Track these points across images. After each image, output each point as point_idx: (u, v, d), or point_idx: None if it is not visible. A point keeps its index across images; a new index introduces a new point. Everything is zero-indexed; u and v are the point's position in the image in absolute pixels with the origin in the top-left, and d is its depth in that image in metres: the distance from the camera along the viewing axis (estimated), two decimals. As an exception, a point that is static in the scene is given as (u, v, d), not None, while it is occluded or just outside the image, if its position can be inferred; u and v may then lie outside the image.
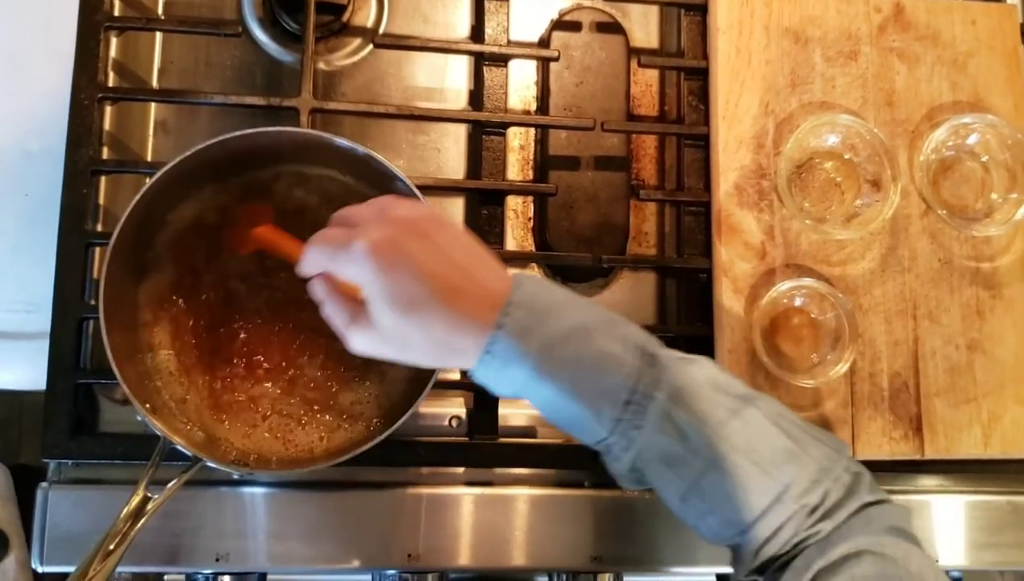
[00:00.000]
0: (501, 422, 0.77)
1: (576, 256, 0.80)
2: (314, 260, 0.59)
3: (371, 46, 0.84)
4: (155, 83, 0.83)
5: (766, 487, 0.56)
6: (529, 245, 0.84)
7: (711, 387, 0.58)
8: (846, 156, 0.80)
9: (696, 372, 0.58)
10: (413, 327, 0.55)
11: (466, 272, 0.56)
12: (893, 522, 0.57)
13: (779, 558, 0.56)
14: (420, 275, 0.55)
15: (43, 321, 0.74)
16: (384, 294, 0.55)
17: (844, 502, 0.56)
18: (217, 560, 0.73)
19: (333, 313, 0.60)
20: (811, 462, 0.57)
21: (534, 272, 0.84)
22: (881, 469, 0.79)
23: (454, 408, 0.79)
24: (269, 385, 0.71)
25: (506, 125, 0.82)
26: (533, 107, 0.86)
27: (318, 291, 0.61)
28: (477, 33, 0.86)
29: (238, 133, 0.66)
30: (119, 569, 0.67)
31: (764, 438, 0.57)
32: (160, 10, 0.84)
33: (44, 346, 0.73)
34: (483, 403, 0.78)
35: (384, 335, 0.57)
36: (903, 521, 0.58)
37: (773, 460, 0.56)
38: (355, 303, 0.58)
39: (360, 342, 0.58)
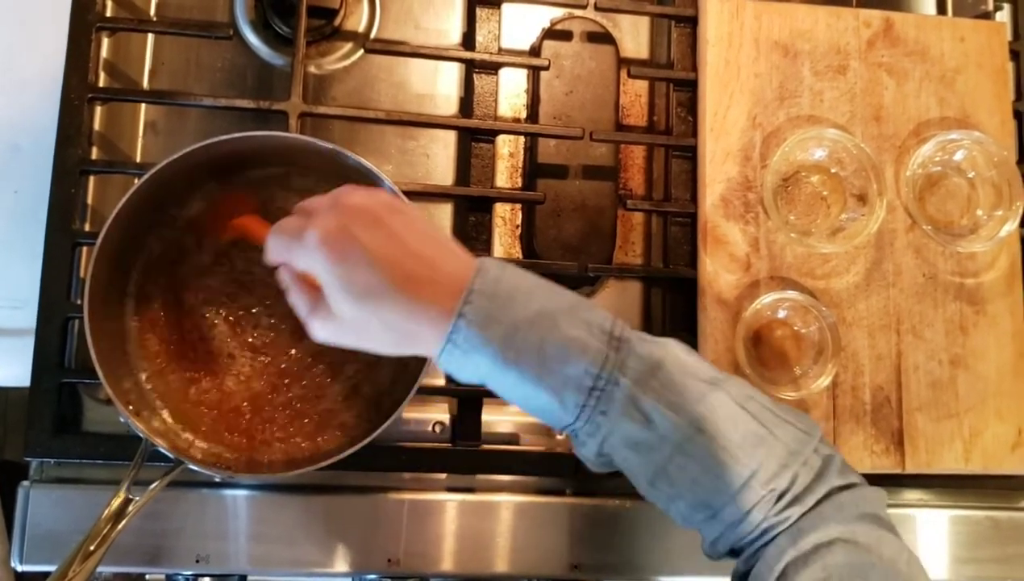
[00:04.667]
0: (484, 428, 0.78)
1: (563, 264, 0.80)
2: (274, 250, 0.59)
3: (362, 51, 0.85)
4: (146, 84, 0.83)
5: (733, 472, 0.55)
6: (516, 252, 0.84)
7: (678, 371, 0.57)
8: (832, 170, 0.81)
9: (663, 355, 0.57)
10: (370, 315, 0.55)
11: (423, 258, 0.55)
12: (865, 508, 0.56)
13: (750, 544, 0.56)
14: (372, 263, 0.54)
15: (29, 317, 0.74)
16: (338, 284, 0.54)
17: (813, 486, 0.56)
18: (198, 561, 0.73)
19: (296, 301, 0.60)
20: (780, 445, 0.56)
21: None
22: (862, 482, 0.80)
23: (438, 414, 0.79)
24: (253, 388, 0.71)
25: (495, 133, 0.82)
26: (523, 115, 0.86)
27: (283, 278, 0.61)
28: (468, 40, 0.86)
29: (227, 137, 0.67)
30: (99, 569, 0.67)
31: (731, 422, 0.56)
32: (152, 11, 0.84)
33: (30, 342, 0.73)
34: (467, 409, 0.78)
35: (343, 324, 0.56)
36: (876, 506, 0.57)
37: (740, 444, 0.55)
38: (317, 291, 0.58)
39: (320, 330, 0.58)
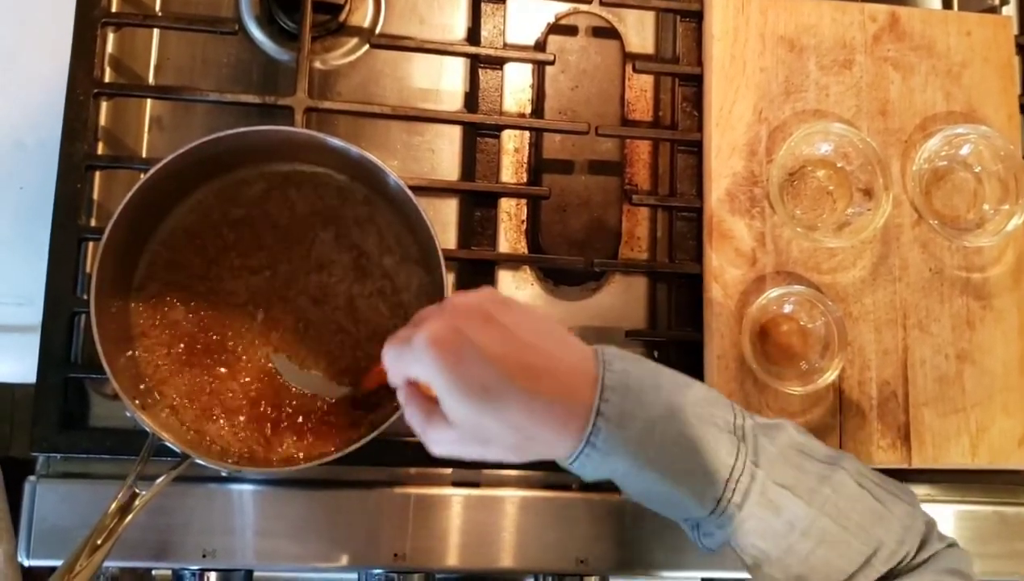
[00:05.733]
0: (490, 423, 0.77)
1: (568, 259, 0.80)
2: (389, 364, 0.57)
3: (367, 46, 0.85)
4: (151, 79, 0.83)
5: (856, 551, 0.56)
6: (522, 248, 0.84)
7: (798, 454, 0.57)
8: (838, 165, 0.81)
9: (783, 439, 0.57)
10: (490, 417, 0.52)
11: (540, 351, 0.53)
12: (955, 565, 0.57)
13: None
14: (487, 359, 0.51)
15: (35, 314, 0.74)
16: (452, 386, 0.51)
17: (919, 553, 0.57)
18: (204, 556, 0.73)
19: (411, 416, 0.57)
20: (896, 522, 0.57)
21: (526, 274, 0.84)
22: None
23: (444, 409, 0.79)
24: (258, 383, 0.71)
25: (501, 128, 0.82)
26: (528, 110, 0.86)
27: (401, 397, 0.58)
28: (473, 35, 0.86)
29: (232, 131, 0.67)
30: (106, 564, 0.67)
31: (852, 502, 0.56)
32: (158, 7, 0.84)
33: (35, 339, 0.73)
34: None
35: (462, 431, 0.53)
36: (965, 565, 0.58)
37: (861, 524, 0.56)
38: (432, 403, 0.55)
39: (437, 444, 0.56)
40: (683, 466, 0.54)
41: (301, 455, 0.70)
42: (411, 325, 0.57)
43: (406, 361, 0.54)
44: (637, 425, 0.53)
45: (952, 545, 0.59)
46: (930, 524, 0.59)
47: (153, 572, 0.79)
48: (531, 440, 0.53)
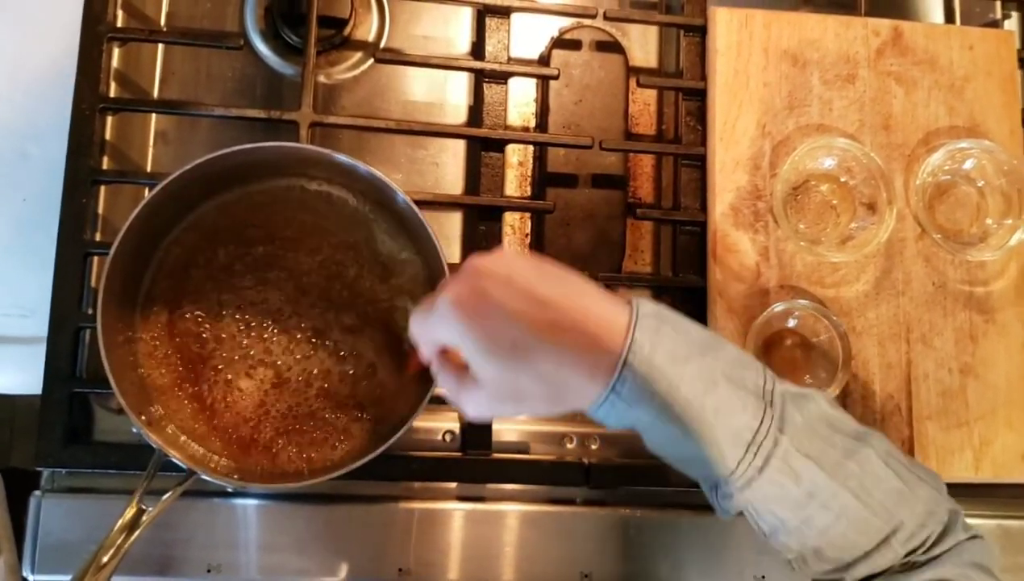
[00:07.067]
0: (494, 437, 0.77)
1: (572, 273, 0.80)
2: (416, 332, 0.58)
3: (372, 60, 0.85)
4: (156, 93, 0.83)
5: (875, 529, 0.55)
6: (525, 261, 0.84)
7: (826, 426, 0.56)
8: (842, 179, 0.81)
9: (812, 409, 0.57)
10: (521, 372, 0.52)
11: (564, 304, 0.53)
12: (979, 558, 0.57)
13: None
14: (511, 316, 0.52)
15: (37, 325, 0.74)
16: (478, 345, 0.52)
17: (941, 540, 0.56)
18: (208, 571, 0.73)
19: (444, 384, 0.58)
20: (919, 504, 0.56)
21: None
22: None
23: (448, 423, 0.79)
24: (264, 399, 0.71)
25: (505, 142, 0.83)
26: (532, 124, 0.86)
27: (434, 367, 0.59)
28: (477, 50, 0.86)
29: (238, 148, 0.67)
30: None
31: (876, 480, 0.56)
32: (162, 21, 0.85)
33: (38, 350, 0.73)
34: (477, 418, 0.78)
35: (494, 390, 0.54)
36: (989, 559, 0.58)
37: (883, 502, 0.55)
38: (462, 368, 0.56)
39: (472, 405, 0.56)
40: (706, 425, 0.53)
41: (306, 470, 0.70)
42: (436, 294, 0.57)
43: (432, 325, 0.55)
44: (665, 380, 0.52)
45: (976, 537, 0.58)
46: (955, 512, 0.58)
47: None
48: (563, 391, 0.53)
